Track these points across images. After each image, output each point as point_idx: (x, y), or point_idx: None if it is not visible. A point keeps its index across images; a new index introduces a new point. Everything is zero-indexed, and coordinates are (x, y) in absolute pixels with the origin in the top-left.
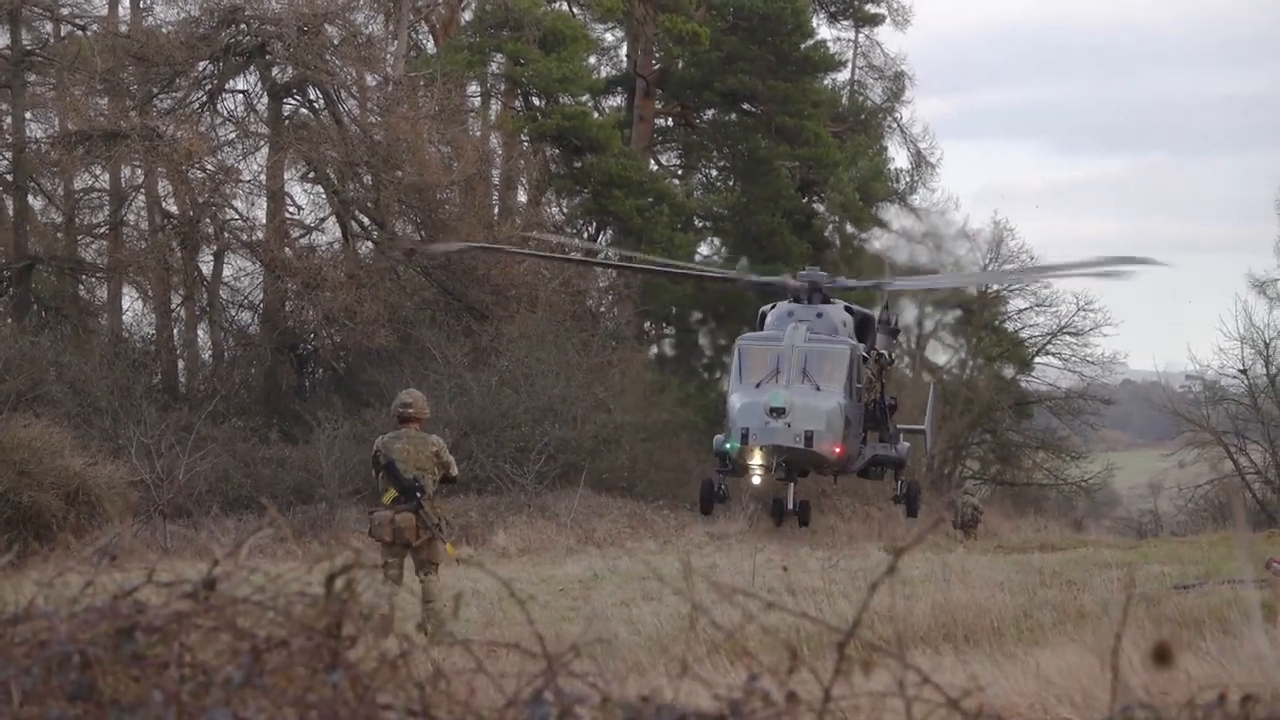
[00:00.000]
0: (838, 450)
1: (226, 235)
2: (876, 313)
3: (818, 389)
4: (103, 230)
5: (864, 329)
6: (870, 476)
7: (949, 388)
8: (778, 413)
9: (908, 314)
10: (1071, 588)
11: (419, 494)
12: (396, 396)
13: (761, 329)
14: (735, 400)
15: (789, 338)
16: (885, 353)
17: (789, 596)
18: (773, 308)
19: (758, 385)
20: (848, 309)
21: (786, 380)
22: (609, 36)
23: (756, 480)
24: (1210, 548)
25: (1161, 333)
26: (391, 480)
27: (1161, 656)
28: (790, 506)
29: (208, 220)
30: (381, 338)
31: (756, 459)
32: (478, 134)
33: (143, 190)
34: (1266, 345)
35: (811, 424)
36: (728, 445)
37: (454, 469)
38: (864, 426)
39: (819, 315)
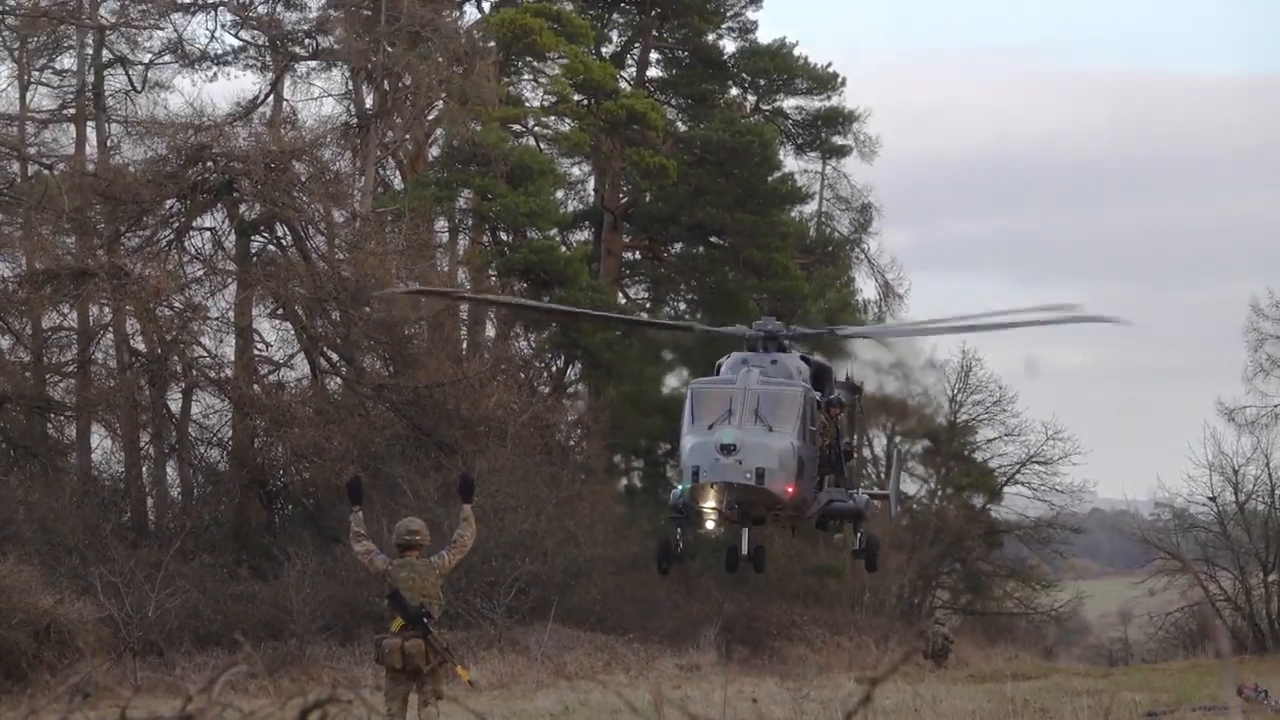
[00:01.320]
0: (790, 490)
1: (195, 373)
2: (845, 370)
3: (770, 429)
4: (71, 369)
5: (820, 378)
6: (828, 529)
7: (919, 518)
8: (728, 449)
9: (877, 444)
10: (1044, 716)
11: (426, 620)
12: (400, 523)
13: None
14: (687, 442)
15: (741, 380)
16: (840, 395)
17: None
18: (728, 357)
19: (710, 427)
20: (804, 358)
21: (739, 421)
22: (576, 170)
23: (710, 525)
24: (1181, 675)
25: (1130, 461)
26: (398, 609)
27: None
28: (745, 552)
29: (176, 358)
30: (351, 473)
31: (708, 500)
32: (446, 269)
33: (111, 328)
34: (1235, 472)
35: (763, 461)
36: (679, 488)
37: (467, 541)
38: (819, 472)
39: (774, 362)
